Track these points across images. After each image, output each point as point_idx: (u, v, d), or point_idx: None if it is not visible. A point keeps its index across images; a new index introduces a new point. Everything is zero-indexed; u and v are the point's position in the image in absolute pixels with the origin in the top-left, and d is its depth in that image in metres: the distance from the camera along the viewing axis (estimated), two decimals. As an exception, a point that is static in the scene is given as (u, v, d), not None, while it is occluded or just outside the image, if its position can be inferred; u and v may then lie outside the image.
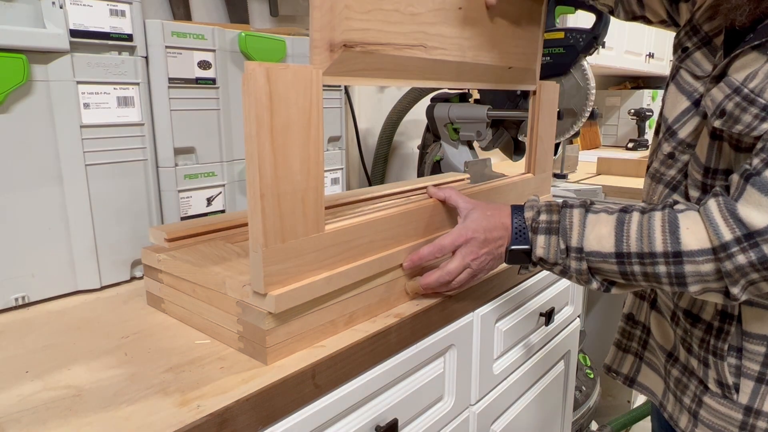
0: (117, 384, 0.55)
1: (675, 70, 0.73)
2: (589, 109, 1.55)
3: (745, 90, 0.59)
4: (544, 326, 1.07)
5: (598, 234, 0.64)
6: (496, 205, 0.74)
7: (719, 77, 0.64)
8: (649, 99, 3.14)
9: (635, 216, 0.63)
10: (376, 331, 0.67)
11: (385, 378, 0.69)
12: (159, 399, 0.53)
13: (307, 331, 0.63)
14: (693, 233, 0.58)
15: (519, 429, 1.05)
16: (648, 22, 0.86)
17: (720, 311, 0.68)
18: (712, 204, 0.58)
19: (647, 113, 2.92)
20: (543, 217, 0.69)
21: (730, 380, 0.67)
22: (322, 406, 0.61)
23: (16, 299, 0.74)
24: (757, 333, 0.65)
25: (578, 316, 1.26)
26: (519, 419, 1.04)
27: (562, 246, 0.67)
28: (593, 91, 1.53)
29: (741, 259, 0.55)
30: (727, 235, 0.56)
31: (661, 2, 0.81)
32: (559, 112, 1.53)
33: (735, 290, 0.57)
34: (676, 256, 0.59)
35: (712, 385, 0.69)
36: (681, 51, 0.72)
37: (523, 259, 0.71)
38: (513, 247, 0.70)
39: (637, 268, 0.62)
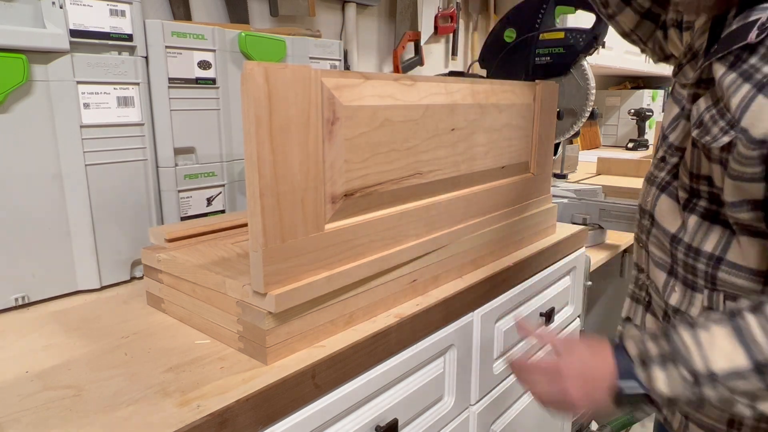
0: (117, 384, 0.55)
1: (672, 85, 0.76)
2: (589, 109, 1.55)
3: (722, 103, 0.59)
4: (544, 326, 1.07)
5: (722, 350, 0.56)
6: (594, 342, 0.67)
7: (698, 83, 0.65)
8: (649, 99, 3.14)
9: (749, 318, 0.56)
10: (376, 331, 0.67)
11: (385, 378, 0.69)
12: (159, 399, 0.53)
13: (307, 331, 0.63)
14: None
15: (519, 429, 1.05)
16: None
17: (707, 307, 0.68)
18: None
19: (647, 113, 2.92)
20: (651, 346, 0.59)
21: None
22: (322, 406, 0.61)
23: (16, 299, 0.74)
24: None
25: (578, 316, 1.26)
26: (519, 419, 1.04)
27: (687, 375, 0.56)
28: (593, 91, 1.53)
29: None
30: None
31: (678, 35, 0.82)
32: (559, 112, 1.53)
33: None
34: None
35: None
36: (677, 67, 0.75)
37: (637, 401, 0.60)
38: (625, 389, 0.60)
39: None
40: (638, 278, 0.82)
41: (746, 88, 0.56)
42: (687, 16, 0.72)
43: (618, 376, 0.60)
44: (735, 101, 0.57)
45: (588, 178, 1.98)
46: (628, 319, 0.85)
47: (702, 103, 0.63)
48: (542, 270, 1.03)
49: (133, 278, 0.86)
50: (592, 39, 1.45)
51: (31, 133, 0.72)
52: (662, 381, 0.57)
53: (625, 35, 0.92)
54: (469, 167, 0.84)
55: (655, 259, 0.75)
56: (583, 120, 1.56)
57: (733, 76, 0.57)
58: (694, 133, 0.63)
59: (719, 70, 0.60)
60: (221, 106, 0.93)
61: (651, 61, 0.93)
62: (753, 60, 0.56)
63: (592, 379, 0.61)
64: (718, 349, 0.56)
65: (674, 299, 0.72)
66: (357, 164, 0.65)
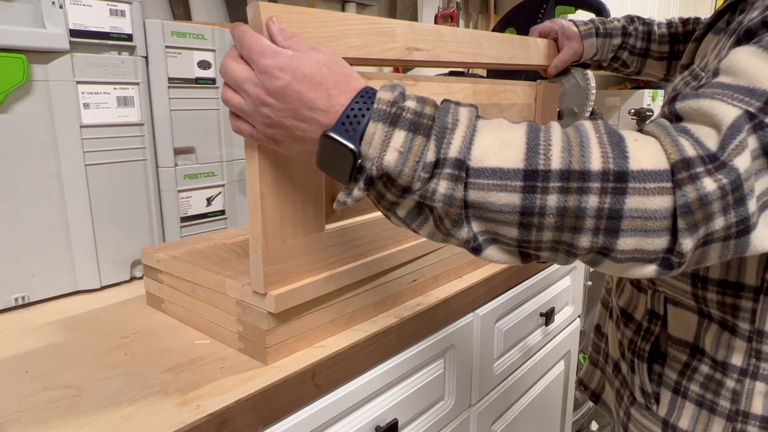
0: (117, 384, 0.55)
1: None
2: (589, 109, 1.55)
3: (696, 69, 0.57)
4: (544, 326, 1.07)
5: (501, 140, 0.41)
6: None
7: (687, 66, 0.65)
8: (649, 99, 3.14)
9: (555, 125, 0.43)
10: (376, 331, 0.67)
11: (385, 378, 0.69)
12: (159, 399, 0.52)
13: (307, 331, 0.63)
14: (642, 147, 0.40)
15: (519, 429, 1.05)
16: None
17: (649, 310, 0.65)
18: (658, 123, 0.43)
19: (647, 113, 2.92)
20: (411, 104, 0.43)
21: (650, 388, 0.63)
22: (322, 406, 0.61)
23: (16, 299, 0.74)
24: (679, 338, 0.61)
25: (578, 316, 1.26)
26: (519, 419, 1.04)
27: (430, 157, 0.41)
28: (593, 91, 1.53)
29: (708, 184, 0.38)
30: (690, 151, 0.39)
31: None
32: (559, 112, 1.53)
33: (686, 242, 0.39)
34: (620, 178, 0.39)
35: (637, 394, 0.65)
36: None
37: (339, 162, 0.44)
38: (333, 134, 0.43)
39: (552, 200, 0.39)
40: (608, 281, 0.81)
41: (729, 43, 0.53)
42: None
43: (337, 120, 0.43)
44: (712, 56, 0.56)
45: (588, 178, 1.98)
46: (598, 327, 0.83)
47: (677, 79, 0.61)
48: (542, 270, 1.03)
49: (133, 278, 0.86)
50: (592, 39, 1.45)
51: (31, 133, 0.72)
52: (396, 148, 0.41)
53: (667, 81, 0.90)
54: None
55: None
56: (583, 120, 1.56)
57: (723, 39, 0.56)
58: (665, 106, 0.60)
59: (710, 42, 0.59)
60: (221, 106, 0.92)
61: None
62: (739, 17, 0.56)
63: (315, 87, 0.44)
64: (493, 139, 0.41)
65: (623, 300, 0.71)
66: None
